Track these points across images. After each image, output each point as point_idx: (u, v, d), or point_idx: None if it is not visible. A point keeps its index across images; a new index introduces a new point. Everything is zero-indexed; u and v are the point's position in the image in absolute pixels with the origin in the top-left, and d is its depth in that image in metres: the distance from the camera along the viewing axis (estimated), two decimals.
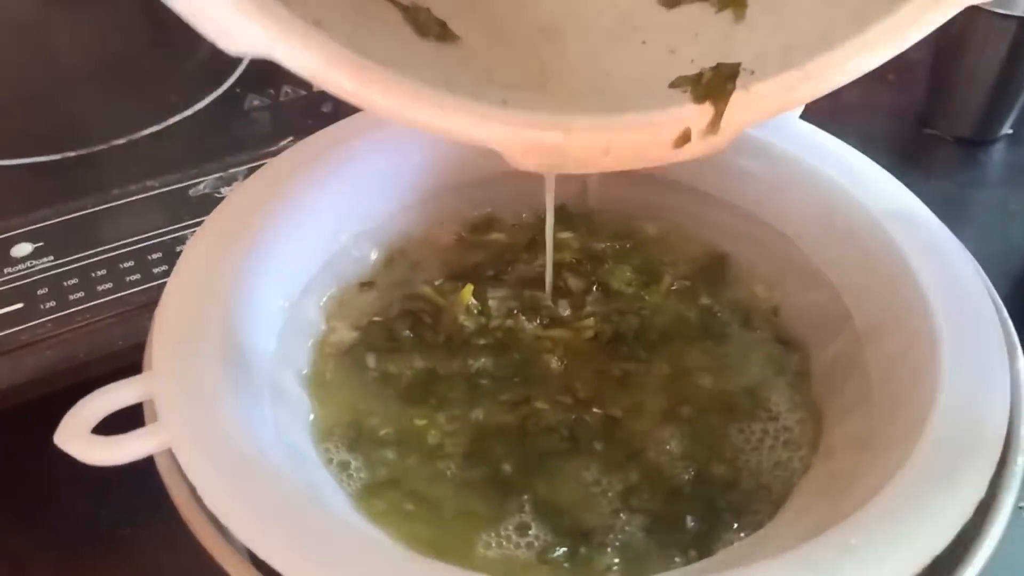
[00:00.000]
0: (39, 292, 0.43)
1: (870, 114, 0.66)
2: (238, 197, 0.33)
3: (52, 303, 0.43)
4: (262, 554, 0.22)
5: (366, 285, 0.37)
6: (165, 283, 0.43)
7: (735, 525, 0.29)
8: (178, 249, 0.46)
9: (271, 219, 0.32)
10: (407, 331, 0.35)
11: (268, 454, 0.25)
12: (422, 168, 0.38)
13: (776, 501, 0.30)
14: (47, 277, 0.44)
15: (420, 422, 0.32)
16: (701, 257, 0.38)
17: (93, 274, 0.44)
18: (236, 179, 0.49)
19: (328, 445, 0.31)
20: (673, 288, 0.37)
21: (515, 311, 0.35)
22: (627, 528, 0.28)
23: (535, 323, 0.35)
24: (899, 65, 0.79)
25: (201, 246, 0.31)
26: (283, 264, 0.33)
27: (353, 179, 0.35)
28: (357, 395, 0.33)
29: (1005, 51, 0.58)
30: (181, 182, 0.49)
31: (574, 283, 0.36)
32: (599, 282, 0.37)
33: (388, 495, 0.29)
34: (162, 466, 0.25)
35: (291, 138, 0.52)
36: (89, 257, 0.45)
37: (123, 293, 0.44)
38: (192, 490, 0.24)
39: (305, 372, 0.33)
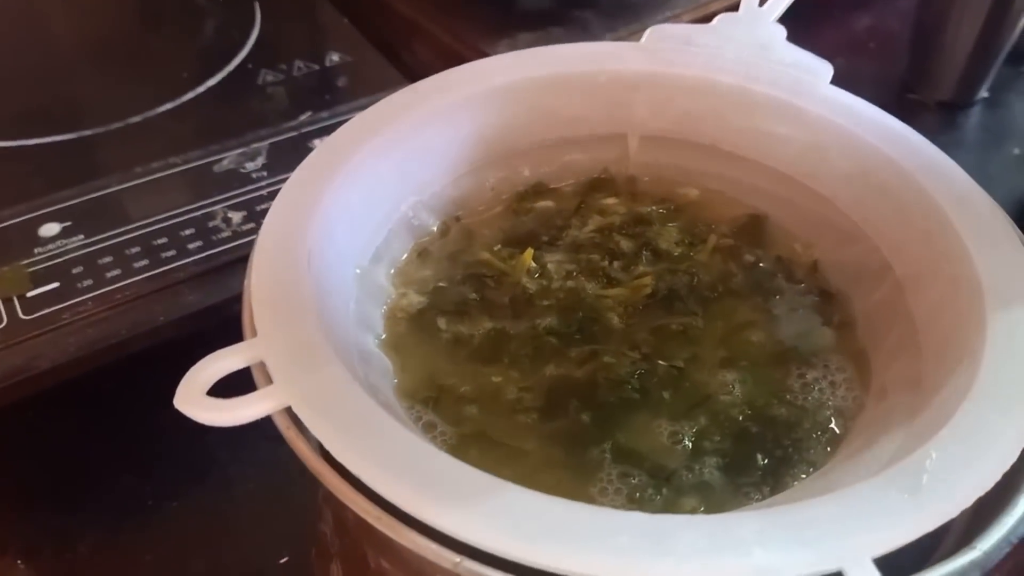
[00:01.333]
0: (74, 271, 0.43)
1: (855, 82, 0.69)
2: (305, 171, 0.33)
3: (89, 281, 0.43)
4: (396, 500, 0.23)
5: (426, 252, 0.38)
6: (200, 259, 0.45)
7: (801, 462, 0.31)
8: (210, 224, 0.46)
9: (342, 190, 0.33)
10: (473, 294, 0.36)
11: (380, 408, 0.26)
12: (471, 139, 0.39)
13: (836, 439, 0.32)
14: (80, 256, 0.44)
15: (496, 379, 0.33)
16: (741, 218, 0.40)
17: (127, 251, 0.44)
18: (259, 154, 0.50)
19: (413, 405, 0.32)
20: (718, 246, 0.39)
21: (574, 273, 0.37)
22: (704, 469, 0.30)
23: (594, 283, 0.36)
24: (881, 34, 0.82)
25: (279, 217, 0.32)
26: (355, 233, 0.34)
27: (411, 151, 0.36)
28: (433, 357, 0.34)
29: (983, 18, 0.62)
30: (204, 158, 0.49)
31: (626, 245, 0.38)
32: (647, 243, 0.38)
33: (478, 448, 0.31)
34: (281, 424, 0.26)
35: (309, 112, 0.52)
36: (121, 235, 0.45)
37: (160, 270, 0.44)
38: (315, 445, 0.25)
39: (383, 336, 0.34)
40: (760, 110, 0.38)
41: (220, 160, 0.49)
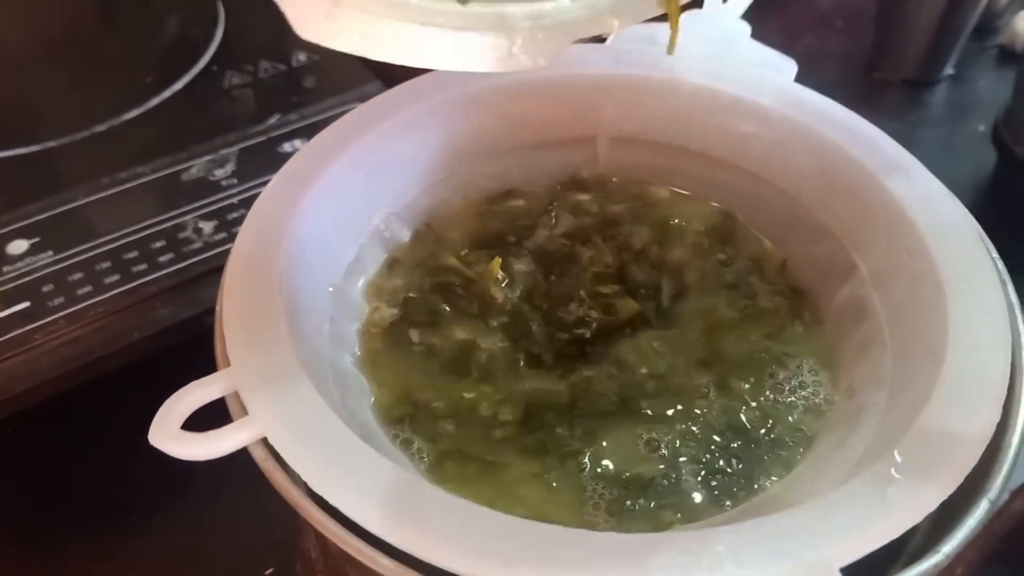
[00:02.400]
0: (44, 289, 0.43)
1: (822, 61, 0.70)
2: (274, 191, 0.33)
3: (60, 299, 0.43)
4: (380, 532, 0.24)
5: (396, 262, 0.38)
6: (172, 271, 0.44)
7: (774, 464, 0.32)
8: (181, 235, 0.46)
9: (312, 209, 0.33)
10: (443, 304, 0.36)
11: (355, 436, 0.26)
12: (442, 147, 0.39)
13: (807, 439, 0.32)
14: (50, 273, 0.44)
15: (468, 395, 0.33)
16: (711, 216, 0.40)
17: (97, 267, 0.44)
18: (228, 161, 0.49)
19: (390, 423, 0.32)
20: (689, 246, 0.39)
21: (542, 280, 0.37)
22: (681, 478, 0.31)
23: (565, 288, 0.37)
24: (847, 13, 0.82)
25: (248, 238, 0.32)
26: (327, 250, 0.34)
27: (381, 163, 0.36)
28: (407, 371, 0.34)
29: None
30: (172, 166, 0.49)
31: (597, 247, 0.38)
32: (621, 243, 0.39)
33: (456, 465, 0.31)
34: (258, 456, 0.26)
35: (278, 115, 0.52)
36: (90, 250, 0.45)
37: (132, 284, 0.44)
38: (291, 476, 0.26)
39: (358, 354, 0.34)
40: (726, 110, 0.38)
41: (188, 168, 0.49)
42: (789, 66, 0.40)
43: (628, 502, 0.30)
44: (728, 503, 0.31)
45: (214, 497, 0.45)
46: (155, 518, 0.45)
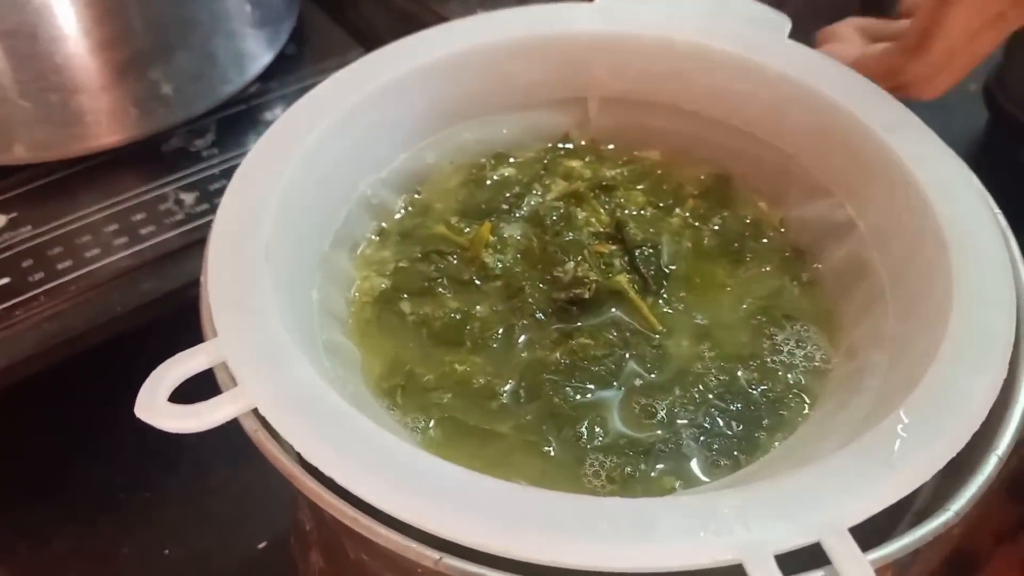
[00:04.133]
0: (24, 264, 0.42)
1: (811, 19, 0.68)
2: (256, 158, 0.32)
3: (40, 274, 0.42)
4: (372, 500, 0.23)
5: (385, 232, 0.37)
6: (154, 244, 0.43)
7: (776, 427, 0.31)
8: (162, 207, 0.45)
9: (296, 176, 0.32)
10: (434, 272, 0.35)
11: (347, 406, 0.26)
12: (428, 110, 0.37)
13: (807, 401, 0.32)
14: (29, 248, 0.43)
15: (461, 367, 0.32)
16: (706, 179, 0.39)
17: (77, 241, 0.43)
18: (208, 131, 0.48)
19: (382, 394, 0.32)
20: (685, 208, 0.38)
21: (535, 248, 0.36)
22: (680, 442, 0.30)
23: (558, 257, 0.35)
24: None
25: (232, 207, 0.31)
26: (313, 218, 0.33)
27: (366, 127, 0.35)
28: (399, 342, 0.33)
29: None
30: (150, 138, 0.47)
31: (588, 212, 0.37)
32: (615, 206, 0.38)
33: (452, 435, 0.30)
34: (249, 427, 0.26)
35: (257, 84, 0.50)
36: (70, 224, 0.44)
37: (113, 258, 0.43)
38: (285, 446, 0.25)
39: (349, 323, 0.34)
40: (720, 68, 0.38)
41: (168, 139, 0.47)
42: (783, 22, 0.39)
43: (628, 468, 0.29)
44: (729, 466, 0.30)
45: (204, 472, 0.44)
46: (144, 494, 0.44)
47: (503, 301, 0.35)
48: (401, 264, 0.36)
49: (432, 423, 0.31)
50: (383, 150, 0.37)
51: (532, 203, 0.38)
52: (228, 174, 0.45)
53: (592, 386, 0.32)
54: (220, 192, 0.45)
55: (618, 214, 0.37)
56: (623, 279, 0.34)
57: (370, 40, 0.53)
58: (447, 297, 0.35)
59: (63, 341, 0.41)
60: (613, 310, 0.34)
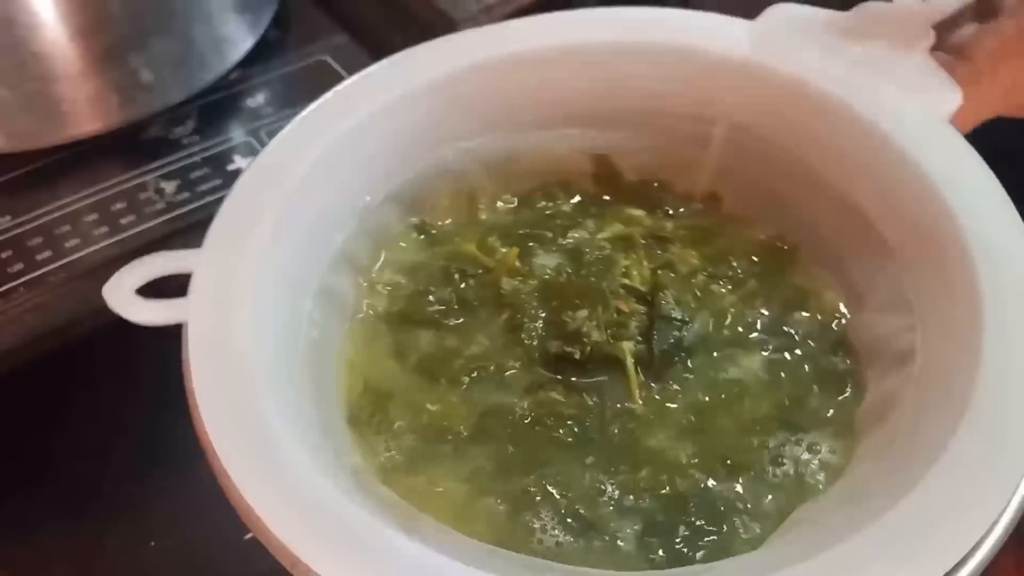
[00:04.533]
0: (3, 255, 0.41)
1: None
2: (260, 171, 0.32)
3: (20, 265, 0.41)
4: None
5: (426, 226, 0.37)
6: (135, 233, 0.43)
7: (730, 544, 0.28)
8: (142, 196, 0.44)
9: (304, 185, 0.32)
10: (449, 294, 0.34)
11: (268, 361, 0.26)
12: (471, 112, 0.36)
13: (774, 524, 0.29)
14: (8, 239, 0.42)
15: (432, 406, 0.32)
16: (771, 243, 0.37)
17: (57, 231, 0.42)
18: (188, 117, 0.47)
19: (353, 412, 0.32)
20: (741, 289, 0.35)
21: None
22: (619, 530, 0.28)
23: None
24: None
25: (232, 214, 0.30)
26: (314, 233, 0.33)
27: (373, 143, 0.34)
28: (382, 363, 0.33)
29: None
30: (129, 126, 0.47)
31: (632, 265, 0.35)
32: (661, 265, 0.35)
33: (402, 471, 0.30)
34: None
35: (239, 70, 0.50)
36: (49, 214, 0.43)
37: (93, 248, 0.42)
38: None
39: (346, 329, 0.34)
40: (853, 137, 0.33)
41: (147, 127, 0.47)
42: (950, 99, 0.33)
43: (569, 537, 0.28)
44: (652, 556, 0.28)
45: (191, 464, 0.44)
46: (130, 487, 0.44)
47: (503, 335, 0.33)
48: (419, 288, 0.35)
49: (391, 453, 0.30)
50: (396, 165, 0.36)
51: (578, 236, 0.36)
52: (209, 162, 0.45)
53: (548, 443, 0.30)
54: (201, 180, 0.45)
55: (659, 273, 0.34)
56: (627, 347, 0.32)
57: (353, 24, 0.52)
58: (448, 326, 0.33)
59: (45, 333, 0.41)
60: (605, 376, 0.32)
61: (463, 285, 0.35)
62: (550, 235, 0.36)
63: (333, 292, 0.33)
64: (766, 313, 0.34)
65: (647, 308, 0.33)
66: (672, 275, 0.34)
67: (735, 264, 0.35)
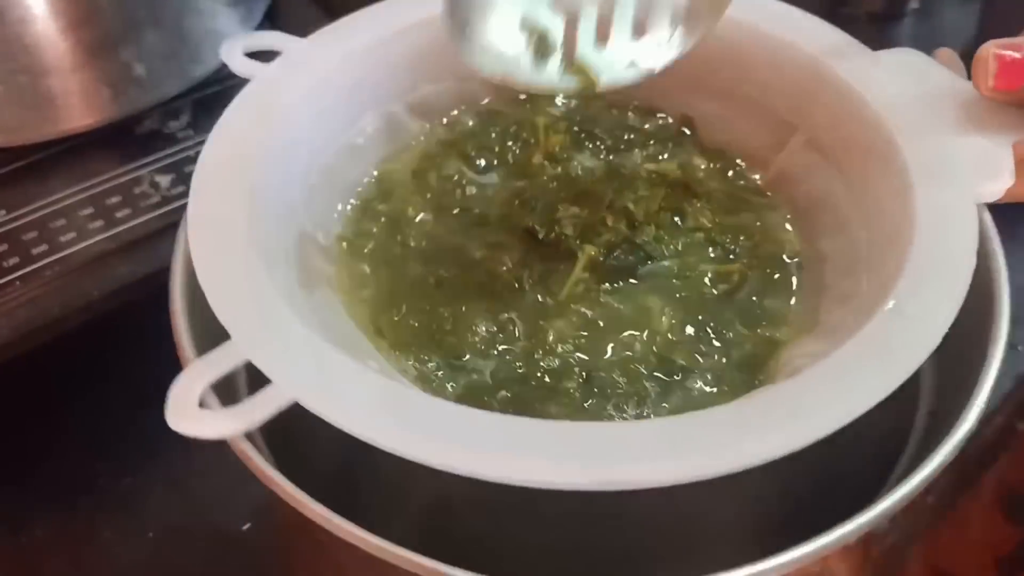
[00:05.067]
0: None
1: None
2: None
3: (15, 259, 0.41)
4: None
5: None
6: (131, 227, 0.43)
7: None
8: (137, 190, 0.44)
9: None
10: (496, 145, 0.38)
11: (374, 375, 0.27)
12: None
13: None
14: (3, 233, 0.42)
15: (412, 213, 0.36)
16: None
17: (52, 225, 0.43)
18: (183, 112, 0.48)
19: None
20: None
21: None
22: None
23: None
24: None
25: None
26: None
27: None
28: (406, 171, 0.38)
29: None
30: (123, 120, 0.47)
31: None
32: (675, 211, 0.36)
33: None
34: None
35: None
36: (44, 208, 0.43)
37: (88, 242, 0.42)
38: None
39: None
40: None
41: (142, 121, 0.47)
42: (999, 183, 0.30)
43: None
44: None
45: (187, 455, 0.44)
46: (126, 478, 0.44)
47: (508, 196, 0.36)
48: (476, 129, 0.38)
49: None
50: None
51: (629, 155, 0.38)
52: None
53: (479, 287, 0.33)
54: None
55: (661, 214, 0.36)
56: (588, 249, 0.34)
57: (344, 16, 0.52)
58: (476, 166, 0.38)
59: (39, 326, 0.41)
60: (559, 266, 0.34)
61: (510, 143, 0.38)
62: (607, 143, 0.39)
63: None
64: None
65: (630, 232, 0.35)
66: (676, 221, 0.36)
67: (741, 241, 0.36)
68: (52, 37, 0.44)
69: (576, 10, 0.33)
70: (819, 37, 0.35)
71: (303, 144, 0.35)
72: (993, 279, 0.31)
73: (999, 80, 0.30)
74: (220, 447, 0.44)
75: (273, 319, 0.27)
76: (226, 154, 0.32)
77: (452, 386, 0.31)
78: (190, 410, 0.24)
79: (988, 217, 0.31)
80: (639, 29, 0.34)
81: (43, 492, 0.44)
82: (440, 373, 0.31)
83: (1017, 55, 0.30)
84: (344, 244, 0.35)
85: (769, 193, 0.37)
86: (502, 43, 0.33)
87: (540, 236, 0.34)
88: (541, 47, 0.34)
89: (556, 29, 0.34)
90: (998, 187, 0.29)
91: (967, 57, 0.35)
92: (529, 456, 0.23)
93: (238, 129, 0.33)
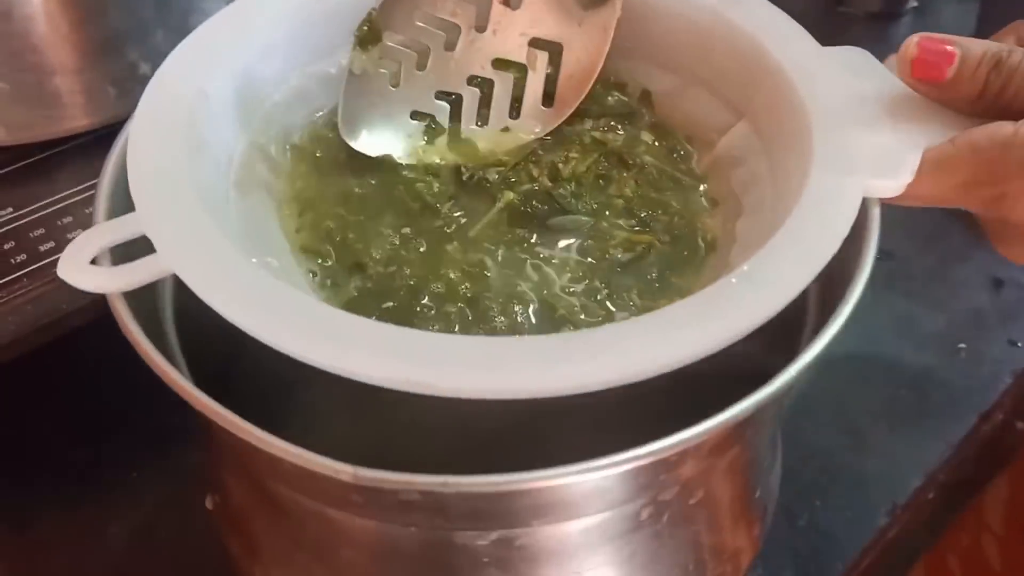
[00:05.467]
0: (6, 246, 0.42)
1: None
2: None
3: (22, 256, 0.42)
4: (317, 359, 0.25)
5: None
6: None
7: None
8: None
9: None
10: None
11: (263, 275, 0.28)
12: None
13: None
14: (11, 231, 0.42)
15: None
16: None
17: (59, 222, 0.43)
18: None
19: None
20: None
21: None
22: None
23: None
24: None
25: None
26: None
27: None
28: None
29: None
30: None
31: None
32: (602, 178, 0.38)
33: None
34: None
35: None
36: (51, 205, 0.43)
37: None
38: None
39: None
40: None
41: None
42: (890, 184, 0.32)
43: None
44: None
45: (189, 451, 0.44)
46: (132, 474, 0.45)
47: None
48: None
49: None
50: None
51: (580, 123, 0.39)
52: None
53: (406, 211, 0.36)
54: None
55: (585, 177, 0.37)
56: (507, 195, 0.36)
57: None
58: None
59: (46, 324, 0.41)
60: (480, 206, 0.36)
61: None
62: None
63: None
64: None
65: (551, 186, 0.37)
66: (600, 183, 0.37)
67: (660, 215, 0.37)
68: (59, 36, 0.44)
69: (458, 100, 0.38)
70: (775, 27, 0.36)
71: (276, 59, 0.36)
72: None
73: (916, 68, 0.31)
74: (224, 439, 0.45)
75: (181, 205, 0.29)
76: (194, 55, 0.34)
77: (343, 291, 0.33)
78: (81, 264, 0.27)
79: (877, 212, 0.31)
80: (514, 110, 0.39)
81: (47, 488, 0.44)
82: (337, 277, 0.33)
83: (943, 47, 0.30)
84: (294, 149, 0.37)
85: (703, 179, 0.38)
86: (393, 132, 0.38)
87: (464, 177, 0.36)
88: (429, 131, 0.38)
89: (442, 115, 0.38)
90: (894, 184, 0.30)
91: None
92: (356, 351, 0.25)
93: (214, 32, 0.35)
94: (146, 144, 0.31)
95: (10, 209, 0.43)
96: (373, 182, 0.36)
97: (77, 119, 0.46)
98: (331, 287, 0.33)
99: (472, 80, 0.39)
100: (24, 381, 0.43)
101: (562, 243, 0.35)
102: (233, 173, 0.34)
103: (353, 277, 0.33)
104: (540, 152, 0.38)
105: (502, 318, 0.32)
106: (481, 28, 0.38)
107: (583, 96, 0.38)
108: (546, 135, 0.39)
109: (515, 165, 0.37)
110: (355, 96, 0.37)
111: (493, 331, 0.31)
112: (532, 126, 0.39)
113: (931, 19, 0.67)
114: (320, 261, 0.34)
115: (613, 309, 0.33)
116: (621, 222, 0.36)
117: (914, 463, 0.44)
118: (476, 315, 0.32)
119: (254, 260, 0.29)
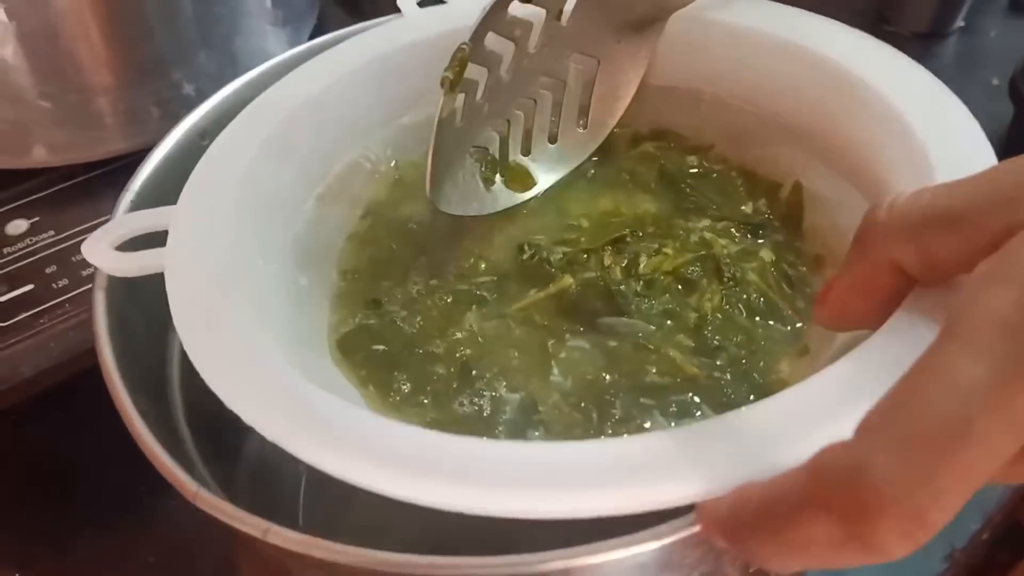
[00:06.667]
0: (48, 270, 0.42)
1: (831, 13, 0.68)
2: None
3: (64, 281, 0.41)
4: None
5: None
6: None
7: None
8: None
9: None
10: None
11: (242, 300, 0.28)
12: None
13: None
14: (52, 254, 0.42)
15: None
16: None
17: None
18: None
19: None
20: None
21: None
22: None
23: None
24: None
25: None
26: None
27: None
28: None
29: None
30: None
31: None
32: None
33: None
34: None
35: None
36: (93, 228, 0.43)
37: None
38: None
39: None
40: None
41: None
42: None
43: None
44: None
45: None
46: (169, 503, 0.44)
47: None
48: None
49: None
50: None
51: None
52: None
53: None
54: None
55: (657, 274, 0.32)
56: (569, 282, 0.33)
57: None
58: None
59: (89, 349, 0.40)
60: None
61: None
62: (691, 197, 0.37)
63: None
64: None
65: (619, 279, 0.32)
66: (681, 292, 0.32)
67: (731, 346, 0.30)
68: (103, 57, 0.44)
69: (504, 128, 0.37)
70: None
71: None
72: None
73: (817, 311, 0.24)
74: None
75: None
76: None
77: (345, 320, 0.33)
78: (105, 248, 0.30)
79: None
80: (552, 137, 0.38)
81: (86, 512, 0.43)
82: (349, 304, 0.33)
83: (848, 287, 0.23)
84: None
85: (806, 319, 0.31)
86: (464, 184, 0.36)
87: (523, 257, 0.34)
88: (487, 169, 0.36)
89: (493, 146, 0.37)
90: None
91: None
92: (428, 478, 0.22)
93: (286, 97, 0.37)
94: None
95: (52, 232, 0.43)
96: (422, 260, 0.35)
97: (120, 141, 0.45)
98: (340, 308, 0.33)
99: (518, 104, 0.37)
100: (66, 404, 0.43)
101: (602, 351, 0.30)
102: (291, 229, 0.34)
103: (363, 310, 0.33)
104: (628, 240, 0.33)
105: (481, 397, 0.29)
106: (532, 45, 0.36)
107: (618, 119, 0.37)
108: (651, 227, 0.34)
109: (589, 249, 0.33)
110: (444, 147, 0.33)
111: (461, 406, 0.29)
112: (573, 152, 0.38)
113: (979, 39, 0.66)
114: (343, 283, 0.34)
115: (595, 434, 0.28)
116: (681, 339, 0.30)
117: (971, 506, 0.43)
118: (461, 384, 0.30)
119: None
